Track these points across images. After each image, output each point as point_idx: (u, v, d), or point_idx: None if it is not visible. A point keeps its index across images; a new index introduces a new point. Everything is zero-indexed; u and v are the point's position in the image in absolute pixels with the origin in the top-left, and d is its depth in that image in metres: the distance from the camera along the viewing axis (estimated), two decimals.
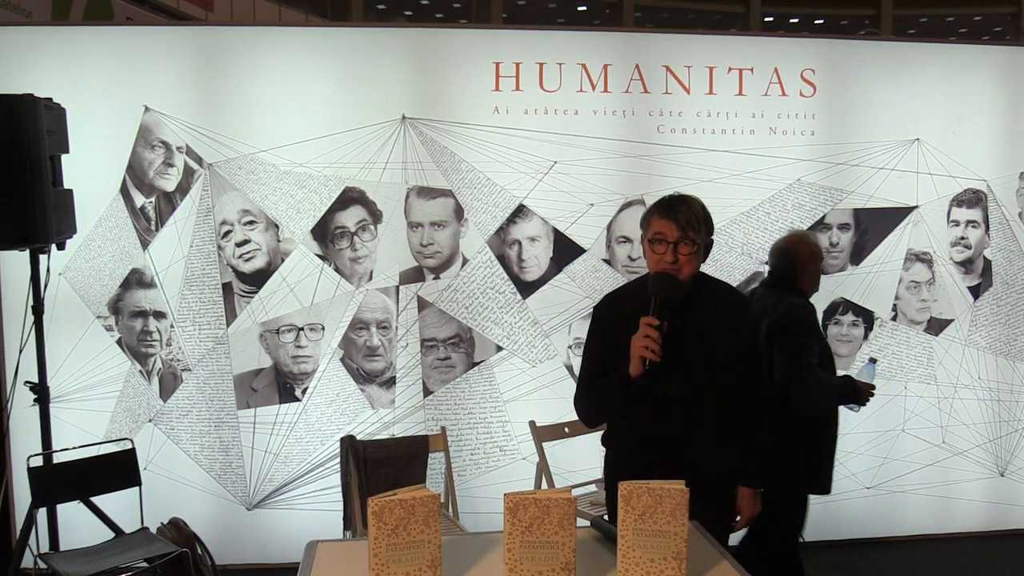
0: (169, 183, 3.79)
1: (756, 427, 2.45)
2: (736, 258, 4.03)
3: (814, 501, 4.20)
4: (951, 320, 4.23)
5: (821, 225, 4.08)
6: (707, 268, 4.02)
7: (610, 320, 2.38)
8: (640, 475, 1.99)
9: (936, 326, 4.22)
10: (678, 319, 2.25)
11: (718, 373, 2.31)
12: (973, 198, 4.20)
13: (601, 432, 2.55)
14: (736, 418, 2.41)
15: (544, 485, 3.65)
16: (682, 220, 2.24)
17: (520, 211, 3.91)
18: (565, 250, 3.93)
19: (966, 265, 4.23)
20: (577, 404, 2.42)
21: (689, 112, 3.94)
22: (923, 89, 4.11)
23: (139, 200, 3.79)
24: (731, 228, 4.00)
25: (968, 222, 4.21)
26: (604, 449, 2.52)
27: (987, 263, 4.25)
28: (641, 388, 2.25)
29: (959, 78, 4.14)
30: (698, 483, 1.97)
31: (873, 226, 4.12)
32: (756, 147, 3.99)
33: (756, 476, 2.46)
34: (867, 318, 4.16)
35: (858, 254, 4.13)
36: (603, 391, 2.33)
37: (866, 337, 4.16)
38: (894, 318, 4.18)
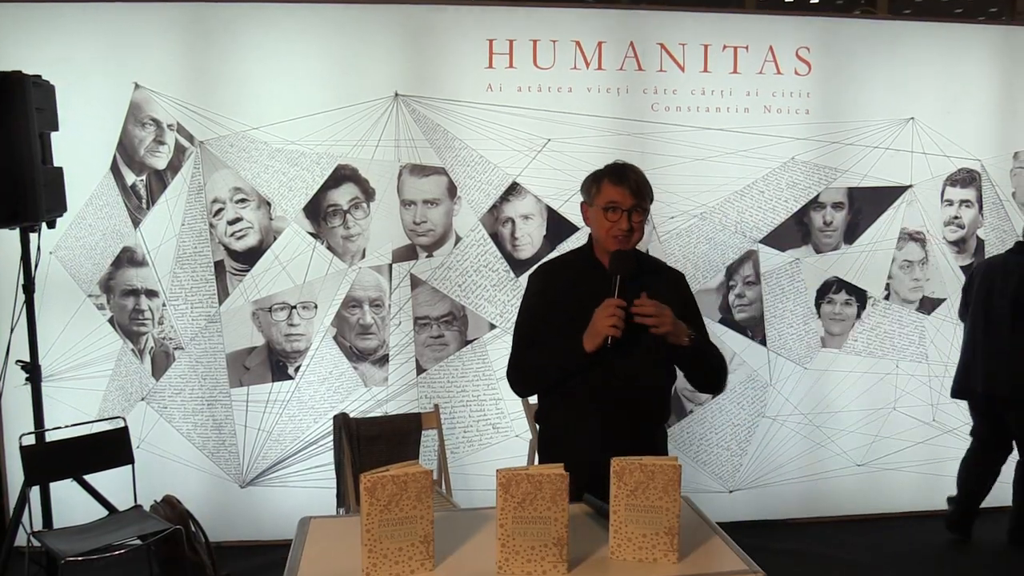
0: (160, 161, 3.76)
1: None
2: (730, 236, 4.03)
3: (805, 479, 4.24)
4: (943, 299, 4.25)
5: (815, 204, 4.08)
6: (702, 246, 4.04)
7: (547, 291, 2.35)
8: (578, 450, 2.09)
9: (928, 305, 4.24)
10: (614, 291, 2.21)
11: (661, 346, 2.27)
12: (967, 177, 4.20)
13: None
14: (668, 393, 2.40)
15: (536, 462, 3.66)
16: (634, 187, 2.25)
17: (513, 189, 3.89)
18: (558, 228, 3.93)
19: (959, 244, 4.24)
20: (512, 373, 2.36)
21: (683, 90, 3.93)
22: (918, 68, 4.09)
23: (130, 178, 3.77)
24: (725, 207, 3.99)
25: (962, 201, 4.21)
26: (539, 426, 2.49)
27: (980, 242, 4.26)
28: (594, 361, 2.22)
29: (954, 57, 4.13)
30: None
31: (867, 205, 4.12)
32: (750, 125, 3.98)
33: (697, 342, 2.27)
34: (860, 297, 4.17)
35: (852, 233, 4.13)
36: (547, 362, 2.29)
37: (859, 316, 4.18)
38: (887, 297, 4.20)
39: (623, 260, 2.23)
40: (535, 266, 2.46)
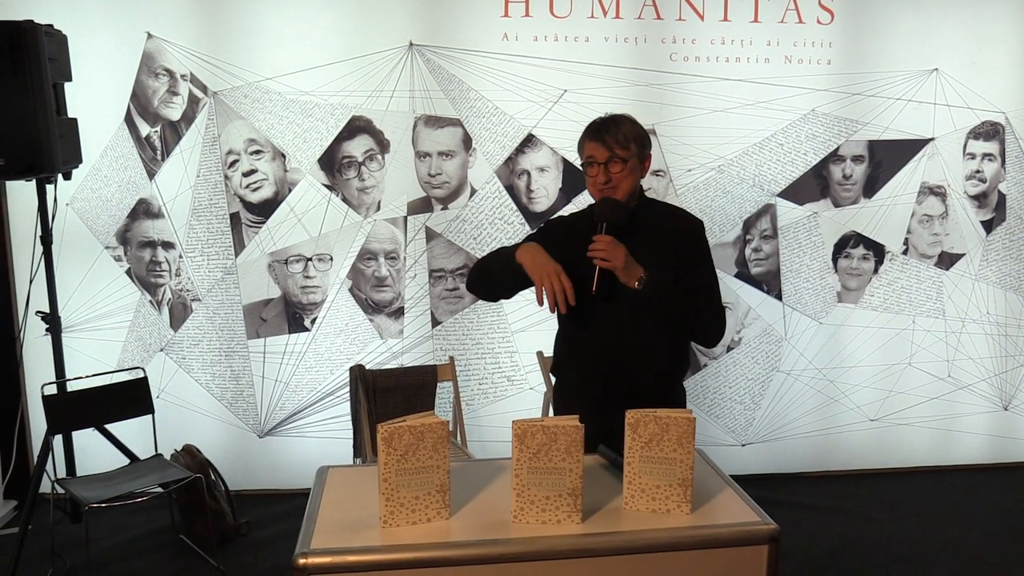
0: (174, 112, 3.75)
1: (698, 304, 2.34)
2: (748, 190, 3.99)
3: (818, 433, 4.26)
4: (962, 254, 4.20)
5: (834, 157, 4.03)
6: (719, 199, 4.00)
7: (552, 238, 2.35)
8: (586, 402, 2.17)
9: (947, 260, 4.20)
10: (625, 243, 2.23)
11: (649, 307, 2.26)
12: (991, 131, 4.12)
13: None
14: (677, 347, 2.39)
15: (551, 415, 3.69)
16: (609, 140, 2.26)
17: (529, 141, 3.86)
18: (574, 180, 3.90)
19: (980, 199, 4.18)
20: (473, 267, 2.42)
21: (703, 39, 3.86)
22: (943, 17, 3.99)
23: (144, 129, 3.76)
24: (743, 159, 3.95)
25: (984, 155, 4.14)
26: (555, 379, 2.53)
27: (1001, 197, 4.20)
28: (583, 314, 2.26)
29: (980, 6, 4.02)
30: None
31: (887, 158, 4.06)
32: (771, 76, 3.91)
33: (651, 283, 2.21)
34: (878, 252, 4.14)
35: (871, 187, 4.08)
36: (493, 263, 2.35)
37: (876, 271, 4.15)
38: (905, 252, 4.16)
39: (610, 207, 2.25)
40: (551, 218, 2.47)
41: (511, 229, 3.92)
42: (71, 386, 3.44)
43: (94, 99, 3.66)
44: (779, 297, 4.11)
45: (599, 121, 2.33)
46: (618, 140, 2.26)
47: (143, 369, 3.55)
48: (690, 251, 2.35)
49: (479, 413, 4.01)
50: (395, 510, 1.79)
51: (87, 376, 3.51)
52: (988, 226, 4.20)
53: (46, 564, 3.30)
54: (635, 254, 2.23)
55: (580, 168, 2.39)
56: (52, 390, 3.32)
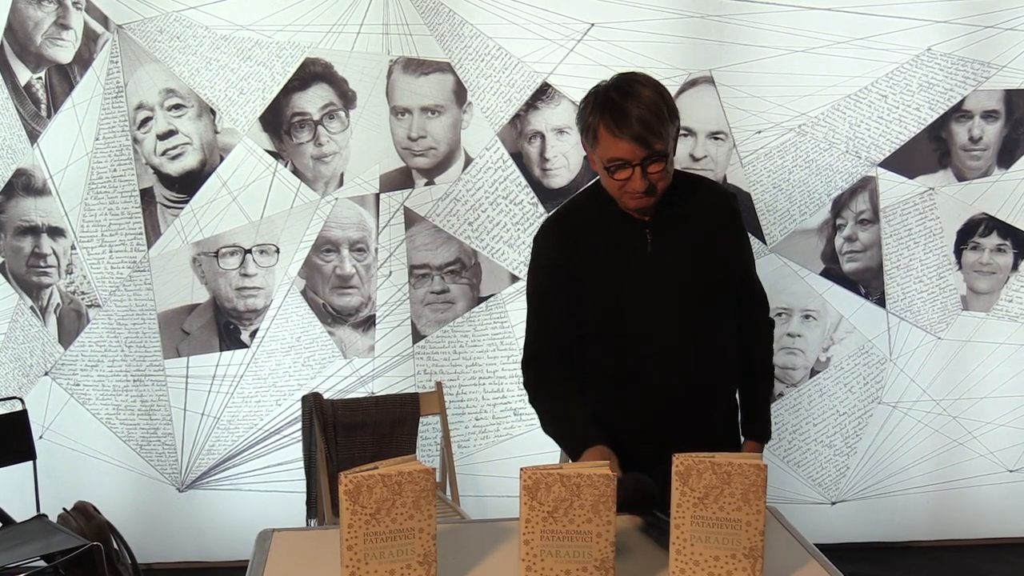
0: (64, 52, 3.78)
1: (759, 375, 2.50)
2: (838, 158, 4.00)
3: (937, 488, 4.25)
4: None
5: (959, 113, 4.03)
6: (802, 169, 4.00)
7: (564, 256, 2.33)
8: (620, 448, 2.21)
9: None
10: (648, 243, 2.28)
11: (702, 307, 2.31)
12: None
13: None
14: (733, 358, 2.44)
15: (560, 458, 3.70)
16: (641, 131, 2.11)
17: (544, 92, 3.88)
18: None
19: None
20: (530, 388, 2.45)
21: None
22: None
23: (23, 75, 3.79)
24: (832, 117, 3.96)
25: None
26: None
27: None
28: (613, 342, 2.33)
29: None
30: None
31: None
32: (871, 3, 3.92)
33: (765, 429, 2.52)
34: (1018, 241, 4.14)
35: (1009, 153, 4.09)
36: (556, 424, 2.45)
37: (1016, 268, 4.15)
38: None
39: (636, 493, 2.14)
40: (542, 222, 2.45)
41: (519, 211, 3.94)
42: None
43: None
44: (882, 303, 4.12)
45: (616, 101, 2.14)
46: (652, 127, 2.11)
47: (21, 400, 3.58)
48: (730, 244, 2.38)
49: (476, 458, 4.03)
50: None
51: None
52: None
53: None
54: (677, 252, 2.28)
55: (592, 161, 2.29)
56: None
